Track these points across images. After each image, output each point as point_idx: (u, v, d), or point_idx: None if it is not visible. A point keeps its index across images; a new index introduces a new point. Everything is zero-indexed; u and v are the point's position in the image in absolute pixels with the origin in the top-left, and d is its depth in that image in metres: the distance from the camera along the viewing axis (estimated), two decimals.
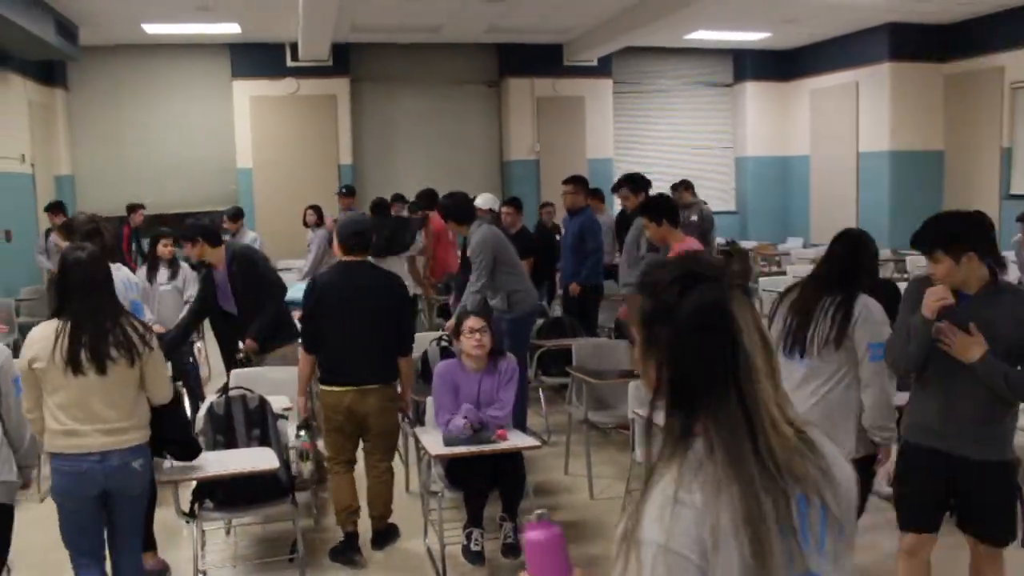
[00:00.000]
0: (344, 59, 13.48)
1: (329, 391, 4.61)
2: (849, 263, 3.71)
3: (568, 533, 1.57)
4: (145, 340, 3.46)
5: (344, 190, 10.74)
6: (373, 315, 4.59)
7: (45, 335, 3.37)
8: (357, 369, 4.55)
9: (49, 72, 12.33)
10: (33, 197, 11.44)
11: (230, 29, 12.10)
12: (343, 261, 4.72)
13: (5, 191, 10.37)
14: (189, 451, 3.92)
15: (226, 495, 4.31)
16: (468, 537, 4.44)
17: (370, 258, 4.85)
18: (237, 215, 10.26)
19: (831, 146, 14.37)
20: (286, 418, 4.77)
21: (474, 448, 4.31)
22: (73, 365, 3.32)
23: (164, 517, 5.10)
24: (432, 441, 4.42)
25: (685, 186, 9.61)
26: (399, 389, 4.83)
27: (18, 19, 8.92)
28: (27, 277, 10.39)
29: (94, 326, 3.38)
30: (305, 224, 10.33)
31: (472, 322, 4.62)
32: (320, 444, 4.81)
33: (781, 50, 15.08)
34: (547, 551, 1.52)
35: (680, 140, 15.42)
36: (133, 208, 11.10)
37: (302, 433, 4.57)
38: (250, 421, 4.51)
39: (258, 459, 4.14)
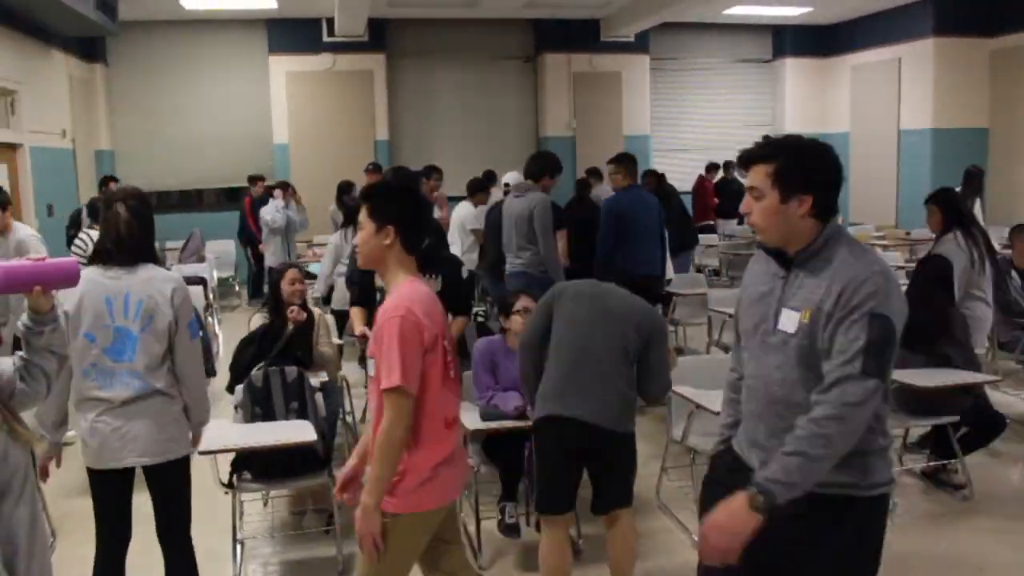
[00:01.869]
0: (380, 34, 13.46)
1: None
2: None
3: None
4: None
5: (371, 167, 10.61)
6: None
7: None
8: None
9: (89, 48, 12.44)
10: (74, 172, 11.57)
11: (267, 4, 12.13)
12: None
13: (47, 166, 10.48)
14: None
15: (264, 467, 4.36)
16: (502, 511, 4.47)
17: None
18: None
19: (872, 123, 14.15)
20: (323, 391, 4.79)
21: (510, 424, 4.30)
22: None
23: (203, 487, 5.17)
24: (469, 417, 4.42)
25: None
26: None
27: None
28: (66, 252, 10.50)
29: None
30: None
31: (525, 301, 4.57)
32: None
33: (821, 25, 14.84)
34: None
35: (718, 117, 15.26)
36: (253, 180, 11.71)
37: None
38: (288, 394, 4.53)
39: (296, 432, 4.16)
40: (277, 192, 10.54)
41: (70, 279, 2.43)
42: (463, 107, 14.19)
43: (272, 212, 10.30)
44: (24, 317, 2.41)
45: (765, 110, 15.53)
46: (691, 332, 8.49)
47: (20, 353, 2.47)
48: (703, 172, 13.13)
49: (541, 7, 12.99)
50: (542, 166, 6.64)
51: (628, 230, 6.65)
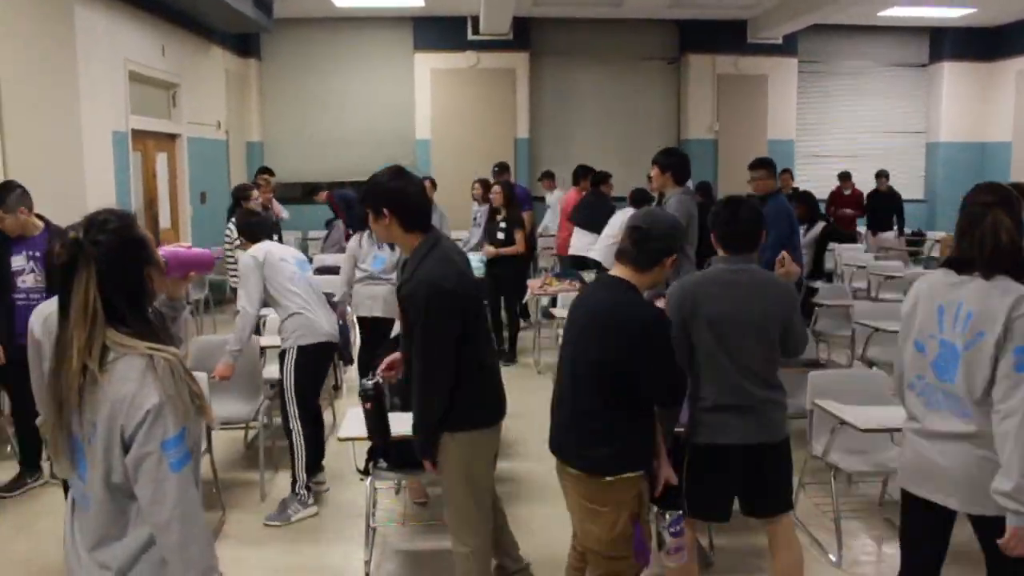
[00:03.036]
0: (524, 33, 13.52)
1: None
2: None
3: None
4: None
5: (497, 168, 10.19)
6: None
7: None
8: None
9: (244, 43, 12.98)
10: (226, 162, 12.08)
11: (415, 2, 12.36)
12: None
13: (202, 156, 10.98)
14: None
15: (399, 456, 4.41)
16: None
17: None
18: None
19: None
20: None
21: None
22: None
23: (336, 473, 5.31)
24: None
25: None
26: None
27: None
28: (218, 237, 10.96)
29: None
30: (473, 197, 10.30)
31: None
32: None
33: (985, 27, 14.09)
34: None
35: (867, 123, 14.72)
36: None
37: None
38: None
39: None
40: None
41: (208, 267, 2.84)
42: (604, 107, 14.12)
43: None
44: (161, 303, 2.57)
45: (918, 117, 14.86)
46: (835, 344, 8.19)
47: None
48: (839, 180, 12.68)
49: (686, 7, 12.79)
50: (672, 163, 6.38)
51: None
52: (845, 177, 12.62)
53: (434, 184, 10.75)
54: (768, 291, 3.43)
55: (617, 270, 3.16)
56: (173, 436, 1.94)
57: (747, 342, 3.34)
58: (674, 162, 6.20)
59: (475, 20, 13.15)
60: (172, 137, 10.32)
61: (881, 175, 12.38)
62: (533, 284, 8.39)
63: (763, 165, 6.90)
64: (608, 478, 3.03)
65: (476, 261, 8.11)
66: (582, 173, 9.83)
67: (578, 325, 3.19)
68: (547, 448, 3.27)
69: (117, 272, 1.97)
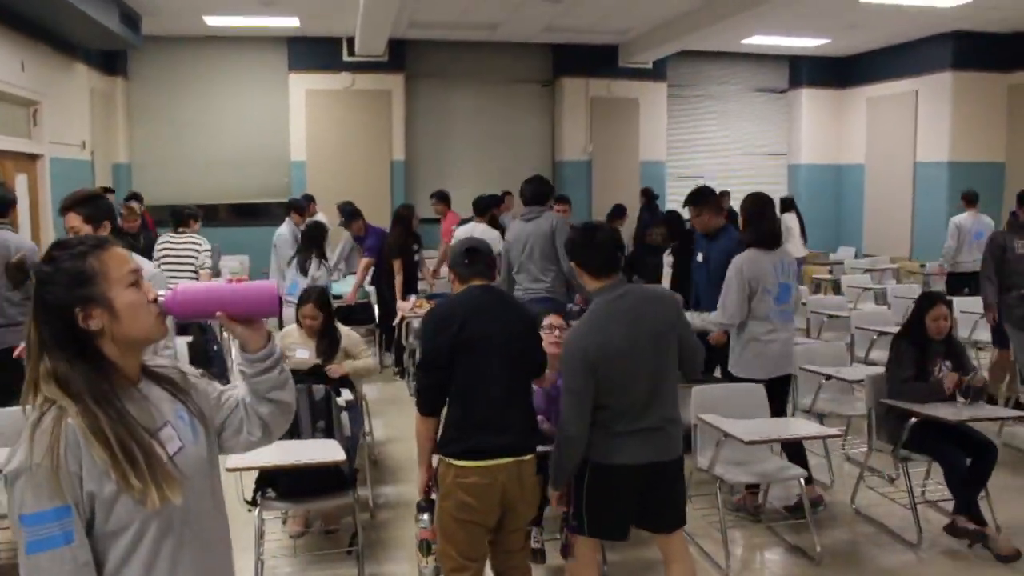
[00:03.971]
0: (400, 55, 13.52)
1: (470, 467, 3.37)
2: None
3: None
4: None
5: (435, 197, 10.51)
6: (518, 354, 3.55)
7: None
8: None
9: (111, 61, 12.51)
10: (92, 184, 11.59)
11: (289, 23, 12.19)
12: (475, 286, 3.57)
13: (66, 177, 10.50)
14: None
15: (288, 486, 4.33)
16: (527, 535, 4.42)
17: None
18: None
19: (887, 155, 14.15)
20: (349, 411, 4.77)
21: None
22: None
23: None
24: None
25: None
26: None
27: (85, 8, 9.06)
28: None
29: None
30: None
31: (552, 319, 4.55)
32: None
33: (838, 57, 14.89)
34: None
35: (733, 145, 15.29)
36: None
37: (423, 518, 3.57)
38: (315, 413, 4.51)
39: (324, 451, 4.13)
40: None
41: (263, 309, 1.95)
42: (480, 129, 14.23)
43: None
44: (236, 356, 2.16)
45: (781, 140, 15.56)
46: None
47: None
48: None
49: (560, 31, 13.04)
50: (547, 190, 6.80)
51: None
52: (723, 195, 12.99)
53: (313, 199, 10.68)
54: (655, 307, 3.53)
55: (480, 281, 3.55)
56: (30, 512, 1.62)
57: (644, 364, 3.43)
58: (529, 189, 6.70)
59: (351, 41, 13.07)
60: (33, 157, 9.86)
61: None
62: (403, 306, 8.32)
63: (698, 202, 6.02)
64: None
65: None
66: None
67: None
68: None
69: (46, 307, 1.75)
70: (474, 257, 3.55)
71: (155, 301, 1.84)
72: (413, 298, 8.32)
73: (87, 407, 1.69)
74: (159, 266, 7.49)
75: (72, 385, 1.70)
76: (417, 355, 5.93)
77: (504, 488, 3.34)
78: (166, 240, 7.80)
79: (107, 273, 1.77)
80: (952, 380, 4.77)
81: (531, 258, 6.47)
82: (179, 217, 8.00)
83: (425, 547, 3.54)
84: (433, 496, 3.56)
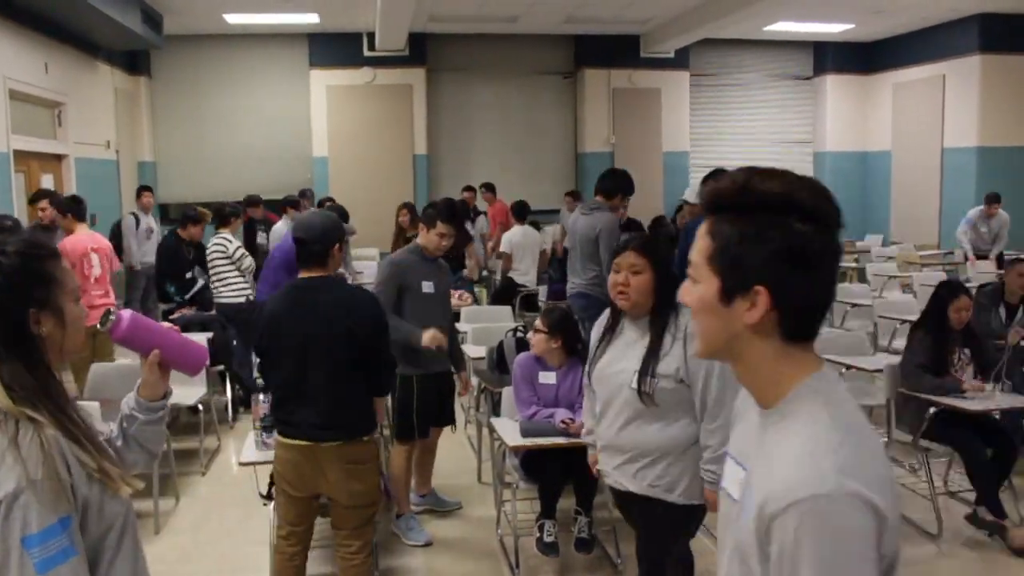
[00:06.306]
0: (421, 49, 13.52)
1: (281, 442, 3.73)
2: None
3: None
4: None
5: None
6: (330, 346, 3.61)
7: None
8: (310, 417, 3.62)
9: (134, 61, 12.63)
10: (117, 183, 11.73)
11: (309, 19, 12.24)
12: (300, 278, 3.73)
13: (91, 177, 10.63)
14: None
15: None
16: (541, 529, 4.42)
17: None
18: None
19: (914, 141, 13.97)
20: None
21: (548, 441, 4.25)
22: None
23: (240, 498, 5.19)
24: (509, 432, 4.38)
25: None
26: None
27: (107, 9, 9.14)
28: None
29: None
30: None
31: (539, 321, 4.56)
32: None
33: (863, 42, 14.71)
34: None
35: (758, 134, 15.15)
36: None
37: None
38: None
39: None
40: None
41: (193, 365, 2.01)
42: (502, 122, 14.21)
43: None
44: (129, 398, 2.00)
45: (805, 127, 15.40)
46: None
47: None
48: None
49: (581, 23, 12.99)
50: (617, 185, 6.34)
51: None
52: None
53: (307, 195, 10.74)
54: None
55: (316, 271, 3.65)
56: (37, 531, 1.53)
57: None
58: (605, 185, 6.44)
59: (371, 36, 13.09)
60: (58, 157, 9.97)
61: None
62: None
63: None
64: (365, 438, 3.64)
65: None
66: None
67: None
68: None
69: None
70: (300, 249, 3.70)
71: (107, 315, 1.89)
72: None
73: (54, 416, 1.64)
74: (211, 265, 7.45)
75: (35, 393, 1.64)
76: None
77: (300, 467, 3.65)
78: (222, 239, 7.57)
79: (63, 282, 1.75)
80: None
81: (576, 253, 6.37)
82: (221, 216, 7.78)
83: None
84: None
